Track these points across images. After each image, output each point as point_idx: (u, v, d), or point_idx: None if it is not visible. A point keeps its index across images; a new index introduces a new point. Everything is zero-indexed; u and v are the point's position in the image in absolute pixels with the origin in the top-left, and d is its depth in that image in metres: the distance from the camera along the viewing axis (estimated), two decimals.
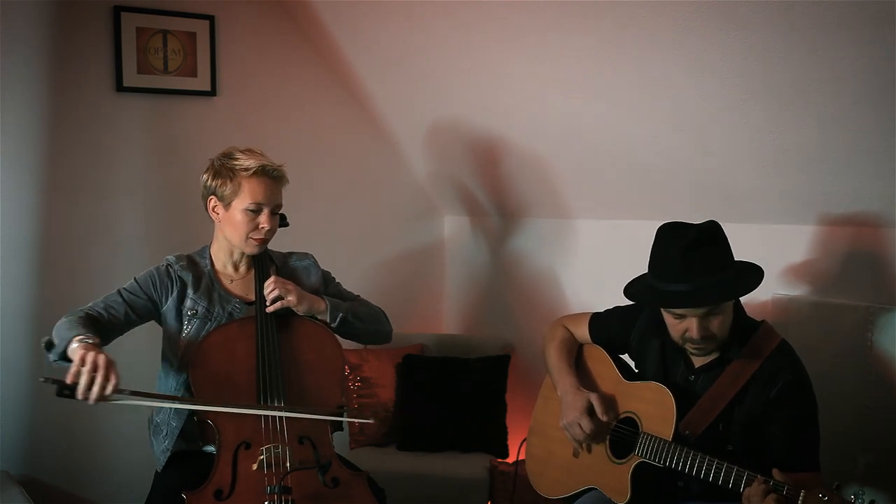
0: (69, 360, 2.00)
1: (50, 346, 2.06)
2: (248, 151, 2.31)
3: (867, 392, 2.32)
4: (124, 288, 2.30)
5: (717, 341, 2.03)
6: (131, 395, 2.00)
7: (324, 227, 3.64)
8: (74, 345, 2.00)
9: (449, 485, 3.11)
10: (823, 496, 1.71)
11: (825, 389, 2.06)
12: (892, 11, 1.75)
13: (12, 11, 2.98)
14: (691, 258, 1.96)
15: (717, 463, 1.90)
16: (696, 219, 2.81)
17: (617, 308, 2.37)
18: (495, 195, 3.63)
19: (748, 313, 2.15)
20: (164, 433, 2.29)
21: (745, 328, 2.09)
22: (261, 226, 2.28)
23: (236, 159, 2.28)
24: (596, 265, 3.30)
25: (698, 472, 1.93)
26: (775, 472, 1.83)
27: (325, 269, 2.53)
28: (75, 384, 1.91)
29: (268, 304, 2.28)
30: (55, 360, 2.07)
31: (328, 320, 2.35)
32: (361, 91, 3.67)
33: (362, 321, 2.41)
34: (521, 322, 3.65)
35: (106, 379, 1.92)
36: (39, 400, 3.12)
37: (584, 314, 2.43)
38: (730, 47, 2.10)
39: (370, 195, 3.87)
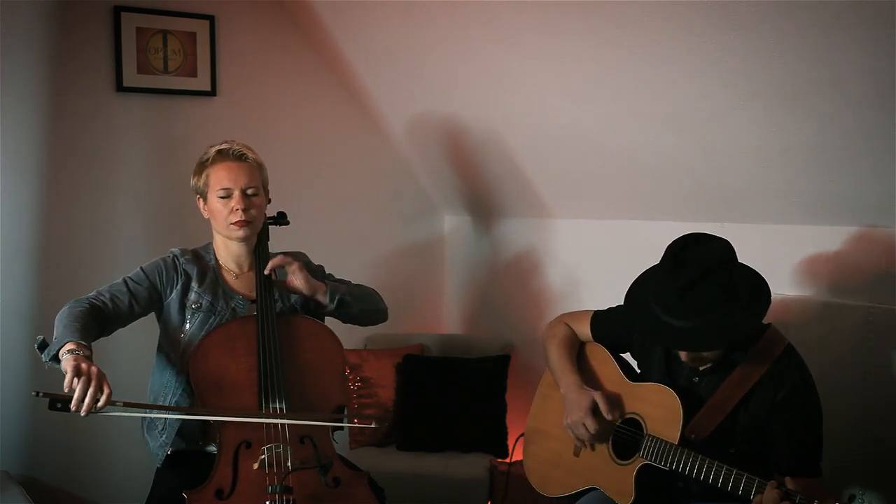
0: (60, 361, 1.99)
1: (43, 346, 2.05)
2: (222, 142, 2.35)
3: (867, 392, 2.32)
4: (130, 277, 2.31)
5: (712, 360, 2.02)
6: (124, 405, 1.99)
7: (324, 226, 3.64)
8: (66, 354, 1.98)
9: (449, 485, 3.10)
10: None
11: (825, 389, 2.05)
12: (892, 11, 1.75)
13: (12, 11, 2.97)
14: (692, 296, 1.90)
15: (727, 469, 1.88)
16: (697, 219, 2.81)
17: (620, 307, 2.30)
18: (495, 195, 3.63)
19: None
20: (161, 428, 2.28)
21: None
22: (234, 208, 2.28)
23: (205, 153, 2.34)
24: (596, 265, 3.30)
25: (706, 476, 1.91)
26: (787, 481, 1.82)
27: (318, 264, 2.54)
28: (67, 396, 1.91)
29: (267, 269, 2.31)
30: (47, 362, 2.06)
31: (326, 301, 2.35)
32: (361, 91, 3.66)
33: (359, 301, 2.44)
34: (521, 322, 3.65)
35: (98, 391, 1.91)
36: (39, 400, 3.10)
37: (585, 312, 2.40)
38: (730, 47, 2.10)
39: (370, 195, 3.86)
